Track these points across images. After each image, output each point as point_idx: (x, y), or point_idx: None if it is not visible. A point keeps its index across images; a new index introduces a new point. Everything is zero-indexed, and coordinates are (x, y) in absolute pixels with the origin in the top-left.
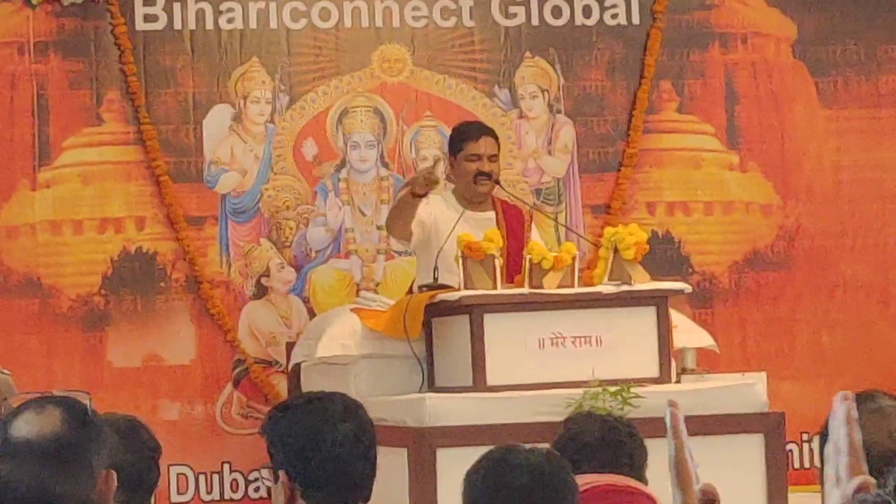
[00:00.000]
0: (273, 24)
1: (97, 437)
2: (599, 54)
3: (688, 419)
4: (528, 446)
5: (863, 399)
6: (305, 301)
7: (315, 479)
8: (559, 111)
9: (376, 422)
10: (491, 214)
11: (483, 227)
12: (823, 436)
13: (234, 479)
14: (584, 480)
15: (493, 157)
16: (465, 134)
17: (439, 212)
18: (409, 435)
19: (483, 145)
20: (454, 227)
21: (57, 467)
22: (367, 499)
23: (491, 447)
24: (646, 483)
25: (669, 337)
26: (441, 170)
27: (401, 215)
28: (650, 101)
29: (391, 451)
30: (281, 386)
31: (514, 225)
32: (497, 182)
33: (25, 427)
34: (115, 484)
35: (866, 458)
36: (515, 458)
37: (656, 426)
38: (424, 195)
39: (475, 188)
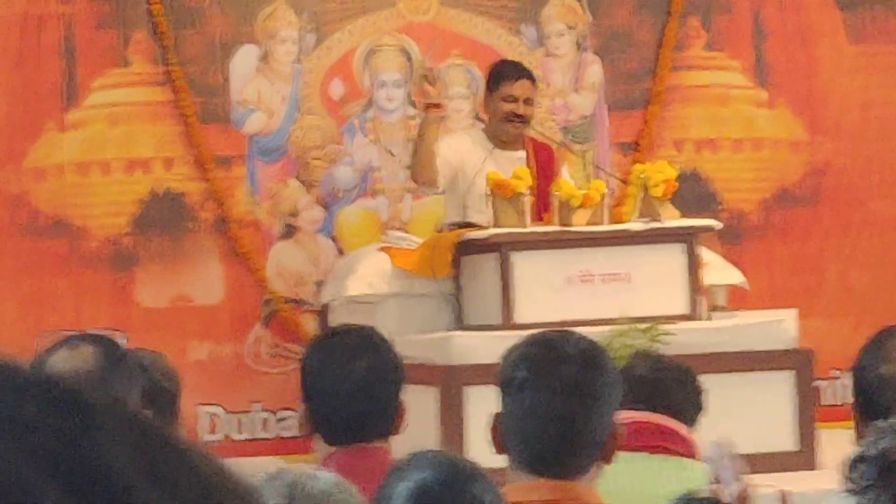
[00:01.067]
0: None
1: (128, 376)
2: None
3: (718, 356)
4: (572, 335)
5: (893, 333)
6: (333, 240)
7: (322, 414)
8: (586, 49)
9: (404, 360)
10: (522, 154)
11: (513, 166)
12: (855, 371)
13: (265, 419)
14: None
15: (529, 101)
16: (503, 73)
17: (465, 150)
18: (438, 373)
19: (520, 87)
20: (482, 165)
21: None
22: (387, 436)
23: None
24: (690, 425)
25: (699, 274)
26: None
27: (422, 151)
28: (677, 37)
29: (420, 388)
30: (309, 325)
31: (544, 163)
32: (528, 122)
33: (59, 364)
34: None
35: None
36: (563, 345)
37: (688, 363)
38: (439, 105)
39: (507, 128)
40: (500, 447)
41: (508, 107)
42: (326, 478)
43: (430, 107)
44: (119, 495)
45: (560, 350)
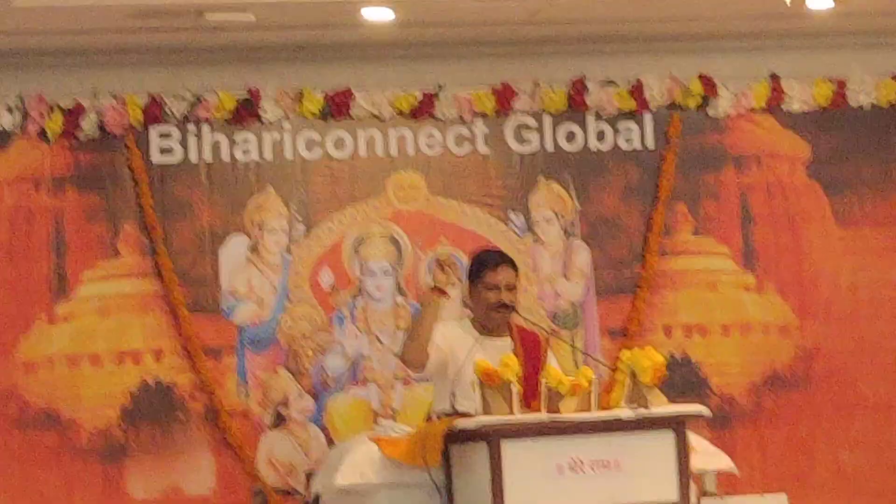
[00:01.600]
0: (288, 155)
1: None
2: (614, 178)
3: None
4: None
5: None
6: (324, 430)
7: None
8: (574, 235)
9: None
10: (507, 341)
11: (499, 354)
12: None
13: None
14: None
15: (511, 287)
16: (484, 262)
17: (455, 338)
18: None
19: (501, 275)
20: (469, 353)
21: None
22: None
23: None
24: None
25: (688, 460)
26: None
27: (420, 332)
28: (665, 223)
29: None
30: None
31: (530, 350)
32: (513, 309)
33: None
34: None
35: None
36: None
37: None
38: (445, 291)
39: (492, 316)
40: None
41: (492, 295)
42: None
43: (435, 290)
44: None
45: None
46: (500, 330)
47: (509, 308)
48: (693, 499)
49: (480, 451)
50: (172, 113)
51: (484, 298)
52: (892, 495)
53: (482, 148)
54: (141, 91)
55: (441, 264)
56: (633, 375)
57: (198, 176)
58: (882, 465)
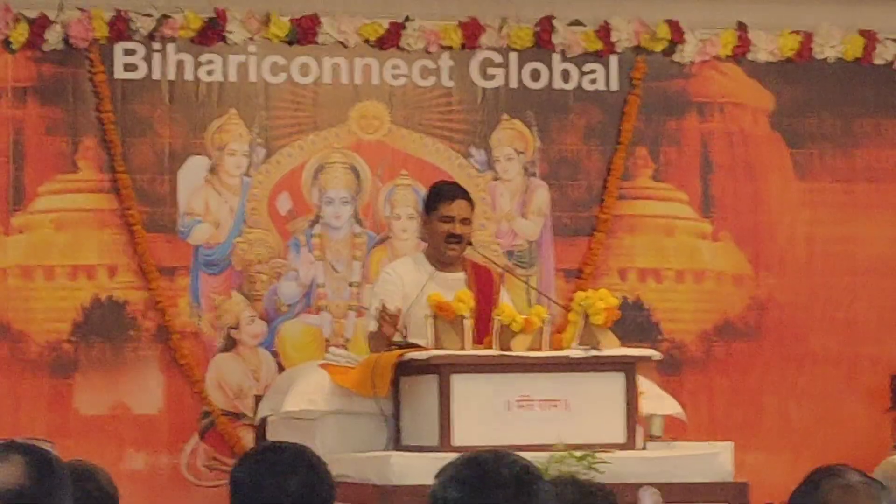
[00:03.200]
0: (252, 78)
1: (60, 487)
2: (576, 119)
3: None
4: (507, 457)
5: (831, 474)
6: (274, 355)
7: None
8: (534, 174)
9: (341, 478)
10: (461, 275)
11: (453, 288)
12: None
13: None
14: None
15: (466, 221)
16: (439, 194)
17: (407, 273)
18: (374, 493)
19: (456, 208)
20: (424, 286)
21: None
22: None
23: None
24: None
25: (637, 403)
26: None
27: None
28: (626, 167)
29: None
30: (247, 439)
31: (484, 286)
32: (469, 244)
33: None
34: None
35: None
36: (497, 467)
37: (621, 492)
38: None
39: (446, 250)
40: None
41: (446, 227)
42: None
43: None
44: None
45: (493, 473)
46: (454, 264)
47: (463, 240)
48: (640, 442)
49: (430, 384)
50: (138, 29)
51: (438, 231)
52: (837, 449)
53: (446, 81)
54: (107, 6)
55: (384, 316)
56: (586, 316)
57: (160, 94)
58: (828, 419)
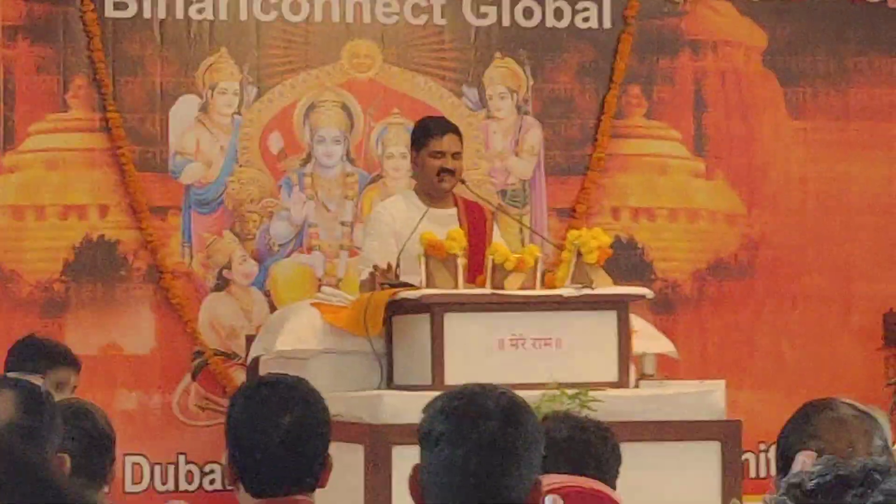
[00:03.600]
0: (243, 16)
1: (51, 422)
2: (569, 57)
3: (645, 425)
4: (494, 389)
5: (822, 407)
6: (266, 294)
7: (249, 467)
8: (527, 113)
9: (333, 417)
10: (453, 211)
11: (445, 225)
12: (781, 445)
13: (190, 471)
14: (549, 481)
15: (457, 155)
16: (429, 130)
17: (398, 211)
18: (366, 431)
19: (447, 142)
20: (417, 225)
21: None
22: (312, 489)
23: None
24: (614, 488)
25: (629, 342)
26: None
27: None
28: (619, 105)
29: (347, 447)
30: (239, 378)
31: (475, 223)
32: (462, 181)
33: None
34: (68, 469)
35: None
36: (484, 400)
37: (615, 430)
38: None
39: (438, 185)
40: (420, 501)
41: (437, 163)
42: None
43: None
44: None
45: (481, 405)
46: (445, 200)
47: (454, 174)
48: (632, 380)
49: (422, 323)
50: None
51: (429, 166)
52: (829, 387)
53: (439, 19)
54: None
55: (379, 273)
56: (579, 255)
57: (151, 33)
58: (821, 357)
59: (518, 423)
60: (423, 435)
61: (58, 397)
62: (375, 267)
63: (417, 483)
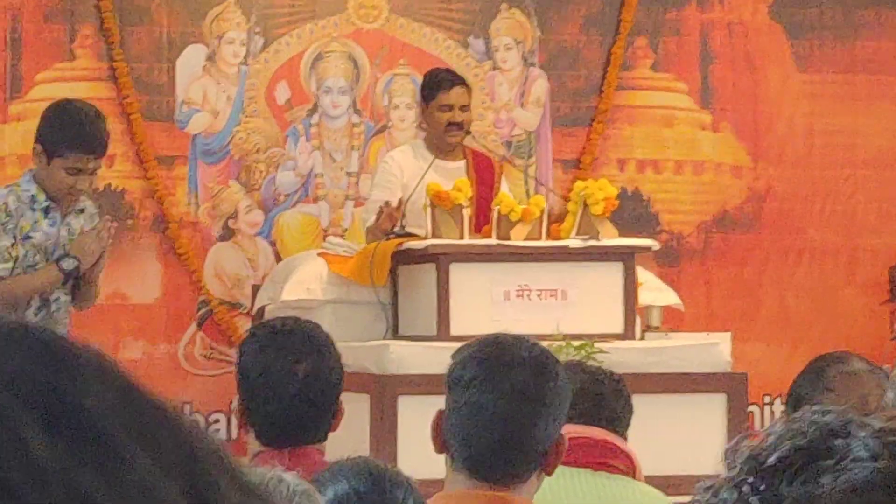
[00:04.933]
0: None
1: None
2: (576, 8)
3: (650, 377)
4: (526, 340)
5: (835, 360)
6: (272, 244)
7: (261, 416)
8: (533, 64)
9: None
10: (461, 164)
11: (453, 177)
12: (792, 398)
13: (195, 420)
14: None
15: (465, 108)
16: (437, 83)
17: (406, 162)
18: (372, 381)
19: (455, 95)
20: (424, 175)
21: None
22: (324, 438)
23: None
24: (625, 440)
25: (635, 293)
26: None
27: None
28: (625, 57)
29: (353, 396)
30: (245, 328)
31: (484, 175)
32: (468, 132)
33: None
34: None
35: None
36: (517, 349)
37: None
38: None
39: (446, 138)
40: (441, 446)
41: (445, 116)
42: (293, 481)
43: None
44: (100, 442)
45: (513, 353)
46: (454, 152)
47: (463, 128)
48: (638, 332)
49: (428, 273)
50: None
51: (437, 119)
52: (835, 341)
53: None
54: None
55: (387, 210)
56: (585, 206)
57: None
58: (826, 311)
59: (549, 374)
60: (452, 379)
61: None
62: (387, 203)
63: (440, 428)
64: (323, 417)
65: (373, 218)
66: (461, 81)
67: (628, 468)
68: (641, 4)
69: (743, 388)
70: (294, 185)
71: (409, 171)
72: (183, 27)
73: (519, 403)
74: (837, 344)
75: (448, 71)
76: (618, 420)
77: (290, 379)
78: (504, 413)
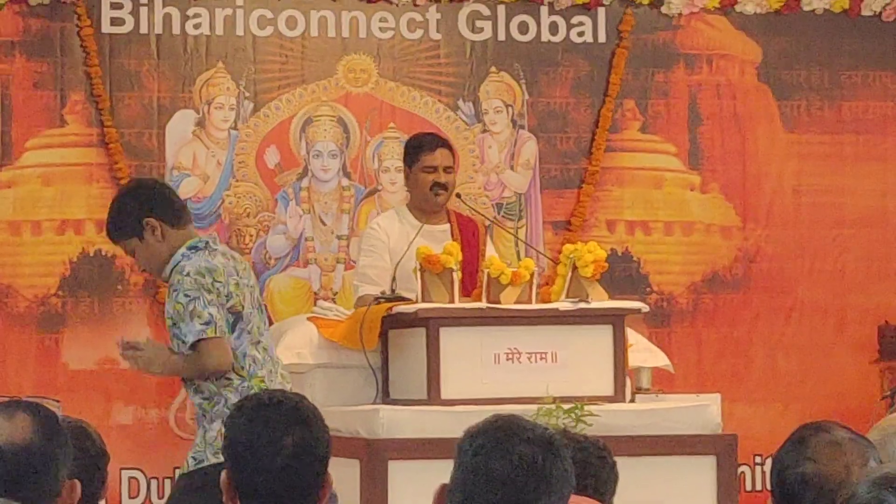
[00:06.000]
0: (240, 31)
1: (64, 447)
2: (564, 71)
3: (641, 439)
4: (537, 423)
5: (818, 429)
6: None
7: (248, 487)
8: (522, 126)
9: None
10: (446, 227)
11: (438, 240)
12: (776, 467)
13: None
14: None
15: (449, 169)
16: (420, 145)
17: (391, 227)
18: (362, 446)
19: (439, 157)
20: (413, 239)
21: (23, 476)
22: None
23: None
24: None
25: (625, 356)
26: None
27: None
28: (614, 119)
29: (344, 461)
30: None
31: (469, 238)
32: (458, 195)
33: None
34: (79, 494)
35: (820, 492)
36: (528, 426)
37: (610, 445)
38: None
39: (432, 199)
40: None
41: (430, 177)
42: None
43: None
44: None
45: (525, 429)
46: (439, 216)
47: (447, 189)
48: (628, 394)
49: (418, 337)
50: None
51: (422, 181)
52: (825, 400)
53: (434, 34)
54: None
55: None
56: (575, 269)
57: (148, 48)
58: (816, 370)
59: (557, 455)
60: (462, 447)
61: None
62: (382, 293)
63: (442, 502)
64: (311, 489)
65: (362, 287)
66: (444, 143)
67: None
68: (630, 67)
69: (733, 449)
70: (284, 248)
71: (394, 236)
72: (172, 93)
73: (526, 475)
74: (827, 403)
75: (430, 134)
76: (604, 488)
77: (278, 451)
78: (511, 480)
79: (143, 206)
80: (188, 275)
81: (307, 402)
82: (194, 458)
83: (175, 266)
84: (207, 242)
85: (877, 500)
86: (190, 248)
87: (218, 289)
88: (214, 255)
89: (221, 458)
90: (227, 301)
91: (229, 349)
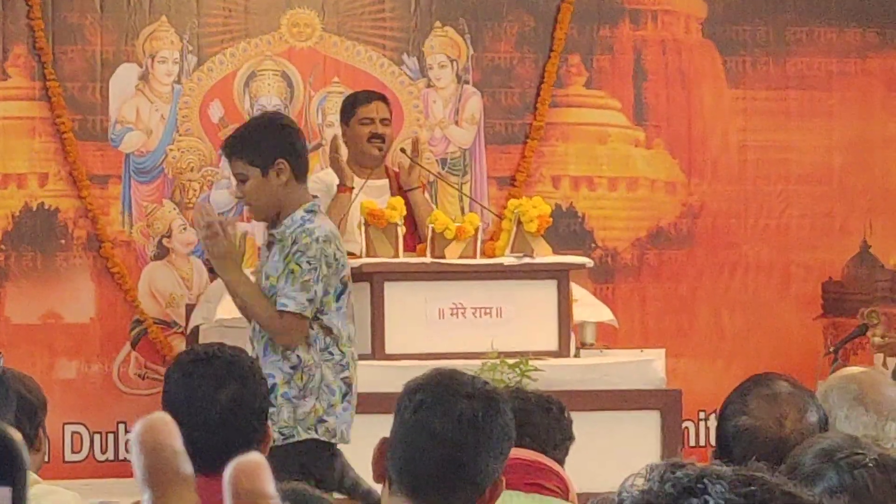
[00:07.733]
0: None
1: (5, 397)
2: (509, 26)
3: (585, 394)
4: (478, 378)
5: (757, 382)
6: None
7: (188, 442)
8: (467, 82)
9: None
10: (384, 182)
11: (380, 195)
12: (718, 418)
13: (129, 440)
14: None
15: (386, 121)
16: (356, 99)
17: (332, 181)
18: None
19: (375, 109)
20: (357, 194)
21: None
22: None
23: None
24: (561, 462)
25: (569, 311)
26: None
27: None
28: (559, 74)
29: None
30: (179, 347)
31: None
32: (402, 150)
33: None
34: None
35: (751, 444)
36: (468, 382)
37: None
38: (351, 187)
39: (369, 151)
40: (380, 474)
41: (367, 129)
42: None
43: (341, 187)
44: None
45: (466, 384)
46: (378, 171)
47: (385, 140)
48: (572, 349)
49: (362, 292)
50: None
51: (359, 133)
52: (769, 356)
53: None
54: None
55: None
56: (519, 224)
57: (91, 2)
58: (760, 326)
59: (498, 410)
60: (402, 404)
61: None
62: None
63: (383, 456)
64: (249, 442)
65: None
66: (379, 97)
67: (561, 490)
68: (575, 22)
69: (677, 404)
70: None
71: (334, 190)
72: (116, 46)
73: (466, 430)
74: (772, 359)
75: (367, 90)
76: (548, 442)
77: (212, 406)
78: (451, 437)
79: (284, 144)
80: (317, 240)
81: (245, 355)
82: (281, 434)
83: (300, 226)
84: (319, 207)
85: (817, 473)
86: (308, 212)
87: (338, 258)
88: (327, 221)
89: (312, 434)
90: (341, 270)
91: (305, 334)
